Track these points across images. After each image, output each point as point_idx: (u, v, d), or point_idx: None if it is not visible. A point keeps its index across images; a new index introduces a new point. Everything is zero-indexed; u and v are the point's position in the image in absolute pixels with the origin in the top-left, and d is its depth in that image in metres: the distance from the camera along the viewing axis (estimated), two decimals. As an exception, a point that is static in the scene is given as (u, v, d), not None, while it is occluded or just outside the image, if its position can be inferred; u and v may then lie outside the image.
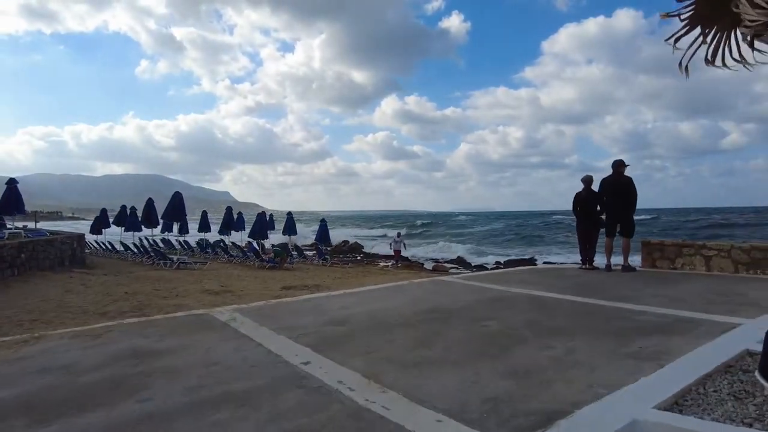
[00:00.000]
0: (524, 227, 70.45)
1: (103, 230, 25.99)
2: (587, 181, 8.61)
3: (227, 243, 26.19)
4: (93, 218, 33.82)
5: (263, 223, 19.99)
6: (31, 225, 29.33)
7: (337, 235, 54.23)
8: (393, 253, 22.87)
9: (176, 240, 25.11)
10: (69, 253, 14.19)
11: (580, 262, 8.66)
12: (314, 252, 22.39)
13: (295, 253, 21.51)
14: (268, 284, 13.02)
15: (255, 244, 20.04)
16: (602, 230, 8.39)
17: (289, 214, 23.41)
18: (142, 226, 21.45)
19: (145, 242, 26.62)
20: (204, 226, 24.20)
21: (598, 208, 8.44)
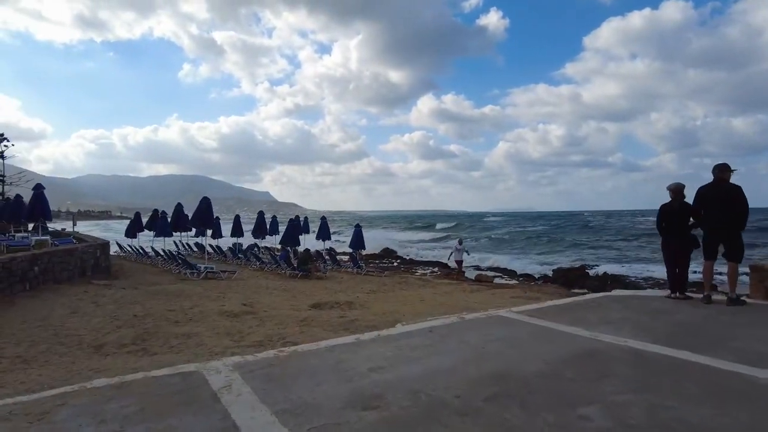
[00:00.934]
0: (561, 229, 67.48)
1: (137, 234, 25.71)
2: (677, 190, 7.00)
3: (261, 247, 25.45)
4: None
5: (296, 228, 18.97)
6: (69, 226, 29.50)
7: (373, 237, 53.20)
8: (455, 264, 20.64)
9: (209, 245, 24.54)
10: (91, 263, 13.51)
11: (669, 289, 7.07)
12: (348, 259, 21.26)
13: (328, 259, 20.41)
14: (297, 300, 11.89)
15: (288, 251, 19.06)
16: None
17: (323, 218, 22.35)
18: (172, 232, 20.89)
19: (180, 247, 26.22)
20: (237, 230, 23.47)
21: (691, 221, 6.86)
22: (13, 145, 32.63)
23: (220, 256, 23.50)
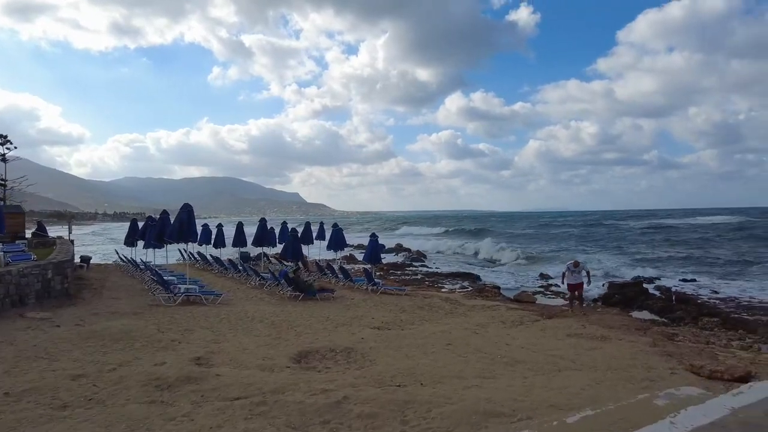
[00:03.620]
0: (593, 230, 62.71)
1: (137, 242, 23.36)
2: None
3: (271, 257, 22.77)
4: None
5: (297, 239, 15.98)
6: (89, 229, 27.45)
7: (395, 240, 49.99)
8: (566, 288, 15.13)
9: (209, 255, 21.96)
10: (37, 288, 10.89)
11: None
12: (363, 273, 18.23)
13: (340, 275, 17.43)
14: (281, 342, 8.92)
15: (287, 266, 16.15)
16: None
17: (335, 226, 19.38)
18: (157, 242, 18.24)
19: (185, 256, 23.71)
20: (239, 241, 20.72)
21: None
22: (15, 147, 30.93)
23: (221, 268, 20.83)
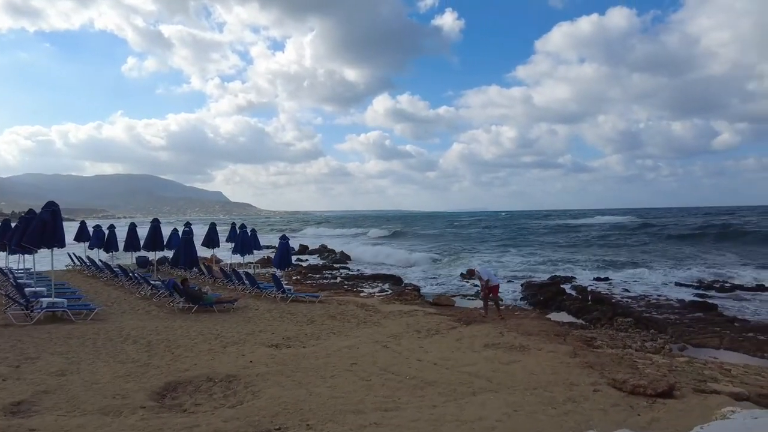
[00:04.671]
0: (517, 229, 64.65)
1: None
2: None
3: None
4: (81, 219, 28.43)
5: (190, 243, 14.05)
6: None
7: (318, 242, 48.41)
8: (482, 292, 13.85)
9: (99, 261, 19.35)
10: None
11: None
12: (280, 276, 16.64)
13: (247, 281, 15.77)
14: (145, 372, 7.29)
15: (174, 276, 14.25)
16: None
17: (243, 227, 17.62)
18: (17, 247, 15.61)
19: (74, 260, 20.87)
20: (131, 245, 18.30)
21: None
22: None
23: (111, 275, 18.36)
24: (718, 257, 30.28)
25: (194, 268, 18.49)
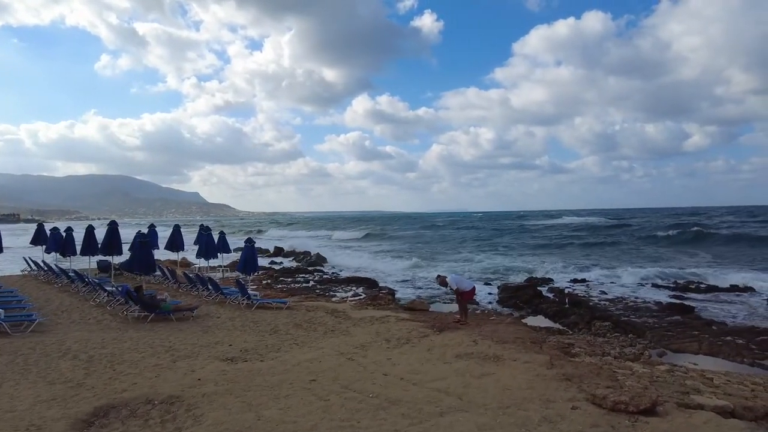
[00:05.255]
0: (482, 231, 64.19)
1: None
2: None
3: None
4: (54, 220, 26.87)
5: (146, 246, 13.11)
6: None
7: (276, 244, 47.21)
8: (456, 298, 12.67)
9: (42, 261, 18.22)
10: None
11: None
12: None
13: (211, 287, 14.93)
14: (76, 394, 6.51)
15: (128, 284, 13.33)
16: None
17: (207, 229, 16.72)
18: None
19: (30, 264, 19.70)
20: (88, 249, 17.21)
21: None
22: None
23: (66, 281, 17.27)
24: (692, 258, 30.48)
25: (156, 273, 17.58)
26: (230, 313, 13.13)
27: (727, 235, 42.53)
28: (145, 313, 11.76)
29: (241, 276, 15.47)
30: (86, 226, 17.56)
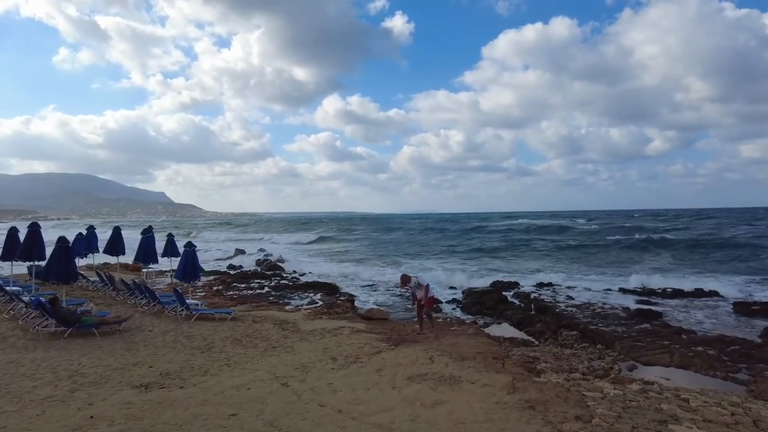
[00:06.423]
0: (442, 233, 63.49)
1: None
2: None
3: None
4: (10, 221, 24.36)
5: (66, 251, 11.60)
6: None
7: (257, 245, 45.45)
8: (415, 305, 11.85)
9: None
10: None
11: None
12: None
13: (147, 295, 13.52)
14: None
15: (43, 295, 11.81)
16: None
17: (146, 231, 15.25)
18: None
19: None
20: (8, 253, 15.42)
21: None
22: None
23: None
24: (656, 261, 30.45)
25: (94, 279, 15.99)
26: (165, 325, 11.78)
27: (685, 240, 42.69)
28: (62, 329, 10.32)
29: (180, 285, 14.07)
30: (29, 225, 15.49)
